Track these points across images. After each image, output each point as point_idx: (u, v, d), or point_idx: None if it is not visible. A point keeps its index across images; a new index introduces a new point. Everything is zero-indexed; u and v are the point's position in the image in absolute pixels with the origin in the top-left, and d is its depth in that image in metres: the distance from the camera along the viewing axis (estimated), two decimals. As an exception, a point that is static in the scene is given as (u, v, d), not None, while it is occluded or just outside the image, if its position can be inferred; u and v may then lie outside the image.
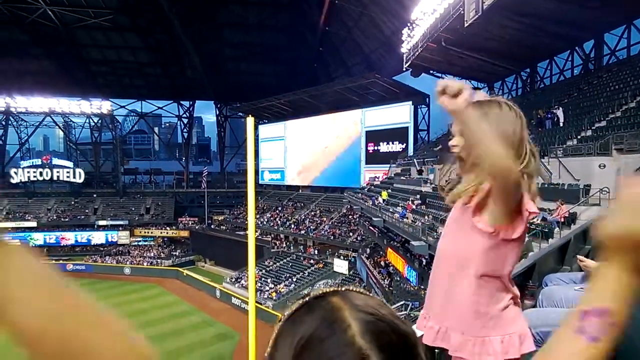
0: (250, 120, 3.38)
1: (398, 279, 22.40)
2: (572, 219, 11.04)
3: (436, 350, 1.76)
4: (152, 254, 42.31)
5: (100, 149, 56.71)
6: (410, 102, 36.79)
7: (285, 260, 35.23)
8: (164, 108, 58.35)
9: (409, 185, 25.95)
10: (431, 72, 31.10)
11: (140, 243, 45.07)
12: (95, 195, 49.66)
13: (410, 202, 21.94)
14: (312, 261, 33.71)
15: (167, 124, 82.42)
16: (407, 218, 19.88)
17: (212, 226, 45.51)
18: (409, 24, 27.77)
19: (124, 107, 57.82)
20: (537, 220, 14.38)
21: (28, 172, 47.07)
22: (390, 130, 37.48)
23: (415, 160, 27.94)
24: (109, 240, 44.82)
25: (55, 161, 49.26)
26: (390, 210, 22.66)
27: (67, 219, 45.59)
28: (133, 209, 48.58)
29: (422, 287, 17.44)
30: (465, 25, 20.53)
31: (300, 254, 35.66)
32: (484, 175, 1.27)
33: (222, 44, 46.75)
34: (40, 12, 40.03)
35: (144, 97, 56.05)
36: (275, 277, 32.51)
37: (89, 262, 40.53)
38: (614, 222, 0.60)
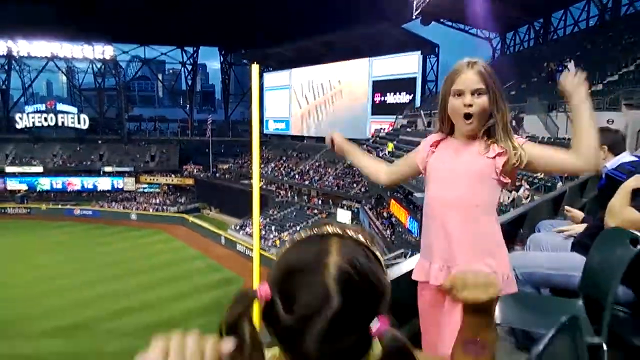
0: (255, 68, 3.38)
1: (400, 229, 22.82)
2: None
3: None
4: (157, 201, 43.03)
5: (104, 95, 56.17)
6: (419, 52, 35.83)
7: (289, 210, 35.80)
8: (167, 54, 57.24)
9: (415, 137, 25.84)
10: (441, 20, 30.08)
11: (145, 190, 45.65)
12: (100, 142, 49.72)
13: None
14: (315, 211, 34.23)
15: (171, 71, 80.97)
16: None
17: (217, 174, 45.89)
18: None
19: (127, 52, 56.74)
20: (541, 174, 14.46)
21: (33, 117, 46.93)
22: (397, 80, 36.77)
23: (422, 112, 27.65)
24: (115, 186, 45.37)
25: (60, 107, 48.88)
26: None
27: (73, 165, 45.98)
28: (138, 156, 48.86)
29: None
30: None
31: (304, 204, 36.16)
32: (511, 143, 1.49)
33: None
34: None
35: (147, 42, 54.75)
36: (279, 225, 33.18)
37: (96, 207, 41.21)
38: None
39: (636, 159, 3.08)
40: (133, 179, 45.79)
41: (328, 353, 0.59)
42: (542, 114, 14.81)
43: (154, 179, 46.46)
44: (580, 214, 3.13)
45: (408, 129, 28.86)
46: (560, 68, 18.41)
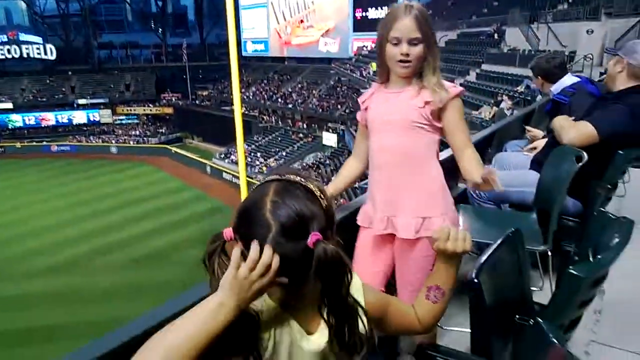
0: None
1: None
2: (553, 87, 11.09)
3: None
4: (137, 132, 42.08)
5: (70, 21, 52.55)
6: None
7: (273, 135, 35.57)
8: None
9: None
10: None
11: (124, 122, 44.42)
12: (70, 73, 47.29)
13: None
14: (300, 135, 34.07)
15: (138, -9, 75.40)
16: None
17: (197, 102, 44.72)
18: None
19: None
20: (521, 88, 14.45)
21: (-6, 49, 44.15)
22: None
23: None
24: (91, 119, 43.97)
25: (23, 37, 45.79)
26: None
27: (44, 99, 44.12)
28: (112, 86, 46.95)
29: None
30: None
31: (288, 128, 35.84)
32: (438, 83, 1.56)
33: None
34: None
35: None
36: (264, 151, 33.09)
37: (74, 142, 40.18)
38: None
39: (578, 79, 3.13)
40: (109, 110, 44.37)
41: (280, 268, 0.74)
42: (523, 26, 14.46)
43: (131, 110, 45.10)
44: (539, 133, 3.21)
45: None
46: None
